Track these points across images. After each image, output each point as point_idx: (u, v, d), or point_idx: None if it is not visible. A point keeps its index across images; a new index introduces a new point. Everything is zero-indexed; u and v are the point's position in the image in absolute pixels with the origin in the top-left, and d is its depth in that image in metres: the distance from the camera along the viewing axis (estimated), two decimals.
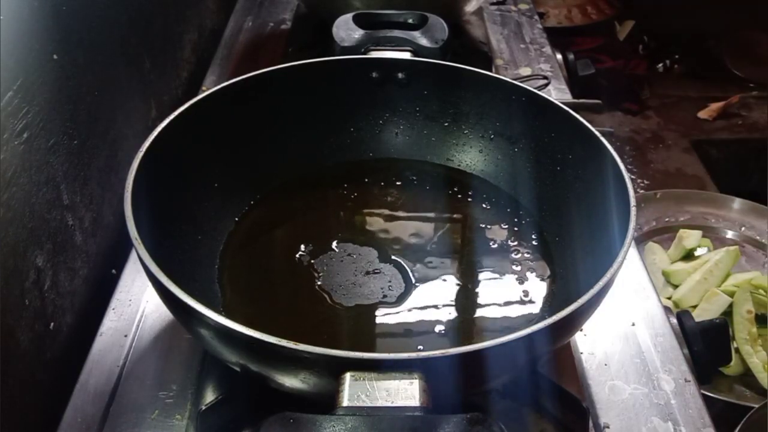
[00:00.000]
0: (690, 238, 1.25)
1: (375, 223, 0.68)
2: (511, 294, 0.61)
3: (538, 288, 0.61)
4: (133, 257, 0.68)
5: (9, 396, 0.54)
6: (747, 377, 1.05)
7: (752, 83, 2.04)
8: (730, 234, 1.34)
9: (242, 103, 0.66)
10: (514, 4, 1.22)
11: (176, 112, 0.59)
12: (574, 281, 0.60)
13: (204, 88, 0.97)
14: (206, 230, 0.63)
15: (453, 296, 0.60)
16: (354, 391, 0.39)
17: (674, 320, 0.72)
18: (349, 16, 0.79)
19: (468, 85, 0.70)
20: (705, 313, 1.08)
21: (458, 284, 0.61)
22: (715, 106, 1.97)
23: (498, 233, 0.67)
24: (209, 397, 0.54)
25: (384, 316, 0.58)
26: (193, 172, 0.62)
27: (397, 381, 0.40)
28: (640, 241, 1.30)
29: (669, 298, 1.17)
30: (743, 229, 1.34)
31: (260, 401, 0.50)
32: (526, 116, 0.68)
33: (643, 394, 0.57)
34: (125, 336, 0.60)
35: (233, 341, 0.43)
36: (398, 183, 0.72)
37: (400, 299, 0.59)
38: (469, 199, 0.71)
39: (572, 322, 0.48)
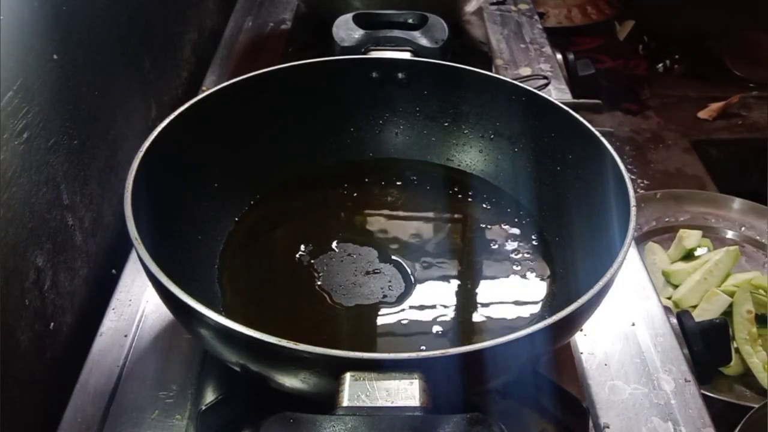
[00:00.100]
0: (690, 238, 1.25)
1: (375, 223, 0.68)
2: (511, 294, 0.61)
3: (538, 288, 0.61)
4: (133, 257, 0.68)
5: (9, 396, 0.54)
6: (747, 377, 1.05)
7: (752, 83, 2.04)
8: (730, 234, 1.34)
9: (242, 103, 0.66)
10: (514, 4, 1.22)
11: (176, 112, 0.60)
12: (574, 281, 0.60)
13: (204, 88, 0.97)
14: (206, 230, 0.63)
15: (453, 296, 0.60)
16: (354, 391, 0.39)
17: (674, 320, 0.72)
18: (349, 16, 0.79)
19: (468, 85, 0.70)
20: (705, 313, 1.08)
21: (458, 284, 0.61)
22: (715, 106, 1.97)
23: (498, 233, 0.67)
24: (209, 397, 0.54)
25: (384, 316, 0.58)
26: (193, 172, 0.62)
27: (397, 381, 0.40)
28: (640, 241, 1.30)
29: (669, 298, 1.17)
30: (743, 229, 1.34)
31: (260, 401, 0.50)
32: (526, 116, 0.68)
33: (643, 394, 0.57)
34: (125, 336, 0.60)
35: (233, 341, 0.43)
36: (398, 183, 0.72)
37: (400, 299, 0.59)
38: (469, 199, 0.71)
39: (572, 322, 0.48)
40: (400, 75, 0.71)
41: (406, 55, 0.73)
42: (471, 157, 0.73)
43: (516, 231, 0.66)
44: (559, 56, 1.08)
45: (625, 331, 0.63)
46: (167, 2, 0.97)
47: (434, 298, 0.59)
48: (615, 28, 2.21)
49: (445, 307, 0.59)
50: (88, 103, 0.70)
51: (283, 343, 0.40)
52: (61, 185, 0.64)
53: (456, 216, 0.70)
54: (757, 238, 1.32)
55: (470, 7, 1.06)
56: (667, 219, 1.37)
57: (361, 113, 0.73)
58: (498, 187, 0.71)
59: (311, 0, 1.11)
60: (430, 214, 0.70)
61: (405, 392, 0.39)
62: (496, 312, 0.59)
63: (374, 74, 0.71)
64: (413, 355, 0.40)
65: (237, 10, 1.20)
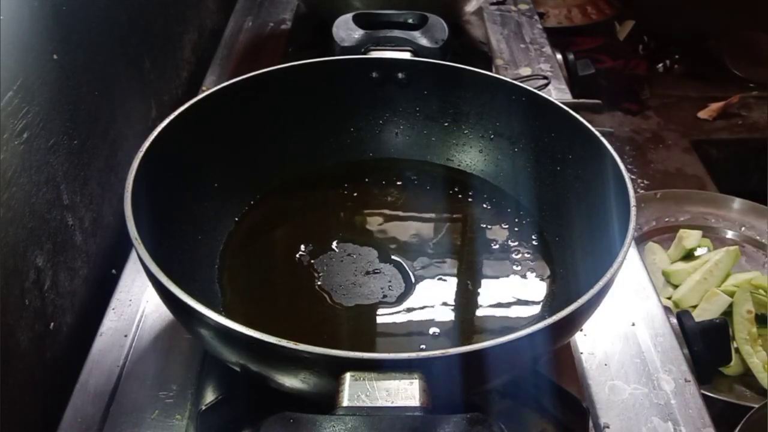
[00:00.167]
0: (690, 238, 1.25)
1: (375, 223, 0.68)
2: (511, 294, 0.61)
3: (538, 288, 0.61)
4: (133, 257, 0.68)
5: (9, 396, 0.54)
6: (747, 377, 1.05)
7: (752, 83, 2.04)
8: (730, 234, 1.34)
9: (242, 103, 0.66)
10: (514, 4, 1.22)
11: (176, 112, 0.60)
12: (574, 281, 0.60)
13: (204, 88, 0.97)
14: (206, 230, 0.63)
15: (453, 296, 0.60)
16: (354, 391, 0.39)
17: (674, 320, 0.72)
18: (349, 16, 0.79)
19: (468, 85, 0.70)
20: (705, 313, 1.08)
21: (458, 284, 0.61)
22: (715, 106, 1.97)
23: (498, 233, 0.67)
24: (209, 397, 0.54)
25: (384, 316, 0.58)
26: (193, 172, 0.62)
27: (397, 381, 0.40)
28: (640, 241, 1.30)
29: (669, 298, 1.17)
30: (743, 229, 1.34)
31: (260, 401, 0.50)
32: (526, 116, 0.68)
33: (643, 394, 0.57)
34: (125, 336, 0.60)
35: (233, 341, 0.43)
36: (398, 183, 0.72)
37: (400, 299, 0.59)
38: (469, 199, 0.71)
39: (572, 322, 0.48)
40: (400, 75, 0.71)
41: (406, 55, 0.73)
42: (471, 157, 0.73)
43: (516, 231, 0.66)
44: (559, 56, 1.08)
45: (625, 331, 0.63)
46: (167, 2, 0.97)
47: (434, 298, 0.59)
48: (615, 28, 2.21)
49: (445, 307, 0.59)
50: (88, 103, 0.70)
51: (283, 343, 0.40)
52: (61, 185, 0.64)
53: (456, 216, 0.70)
54: (757, 238, 1.32)
55: (470, 7, 1.06)
56: (667, 219, 1.37)
57: (361, 113, 0.73)
58: (498, 187, 0.71)
59: (311, 0, 1.11)
60: (430, 214, 0.70)
61: (405, 392, 0.39)
62: (496, 312, 0.59)
63: (374, 74, 0.71)
64: (413, 355, 0.40)
65: (237, 10, 1.20)
